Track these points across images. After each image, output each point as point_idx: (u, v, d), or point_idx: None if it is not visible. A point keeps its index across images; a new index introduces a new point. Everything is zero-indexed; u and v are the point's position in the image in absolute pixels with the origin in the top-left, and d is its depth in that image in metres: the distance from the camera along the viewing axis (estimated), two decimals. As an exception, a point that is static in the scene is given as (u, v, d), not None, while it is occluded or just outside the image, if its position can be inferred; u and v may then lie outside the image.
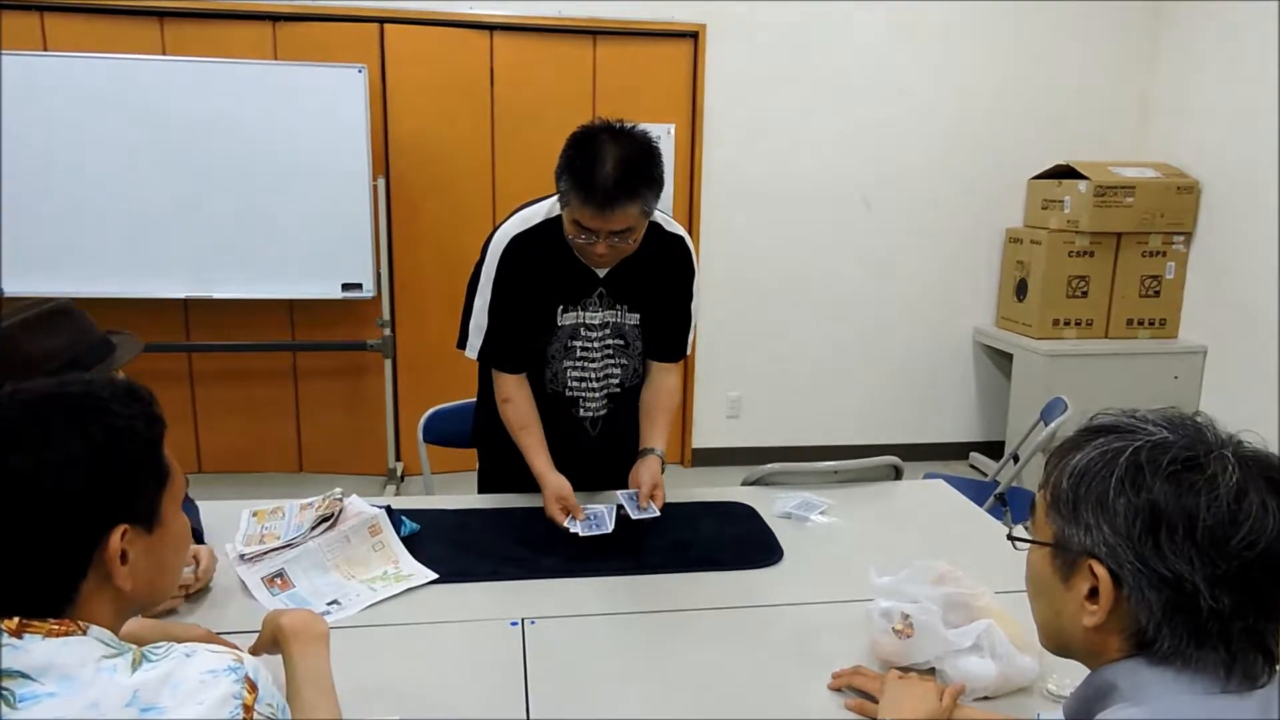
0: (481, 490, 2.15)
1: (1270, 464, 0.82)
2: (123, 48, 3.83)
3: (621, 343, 2.00)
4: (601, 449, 2.03)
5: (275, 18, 3.97)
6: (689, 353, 2.10)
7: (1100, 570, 0.84)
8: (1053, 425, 3.05)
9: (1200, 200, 4.31)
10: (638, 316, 1.99)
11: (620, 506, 1.85)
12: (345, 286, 3.98)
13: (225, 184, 3.82)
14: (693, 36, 4.27)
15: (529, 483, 1.99)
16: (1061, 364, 4.26)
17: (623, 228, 1.73)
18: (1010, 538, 0.97)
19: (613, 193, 1.67)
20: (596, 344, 1.97)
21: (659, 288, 1.98)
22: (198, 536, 1.71)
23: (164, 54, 3.91)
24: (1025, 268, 4.49)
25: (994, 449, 4.76)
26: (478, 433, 2.17)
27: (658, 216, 1.93)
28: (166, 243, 3.84)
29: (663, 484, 1.89)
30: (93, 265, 3.82)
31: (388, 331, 4.13)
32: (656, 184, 1.73)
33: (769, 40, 4.29)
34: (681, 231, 1.99)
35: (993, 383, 4.86)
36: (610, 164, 1.66)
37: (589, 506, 1.87)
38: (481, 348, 1.95)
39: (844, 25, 4.33)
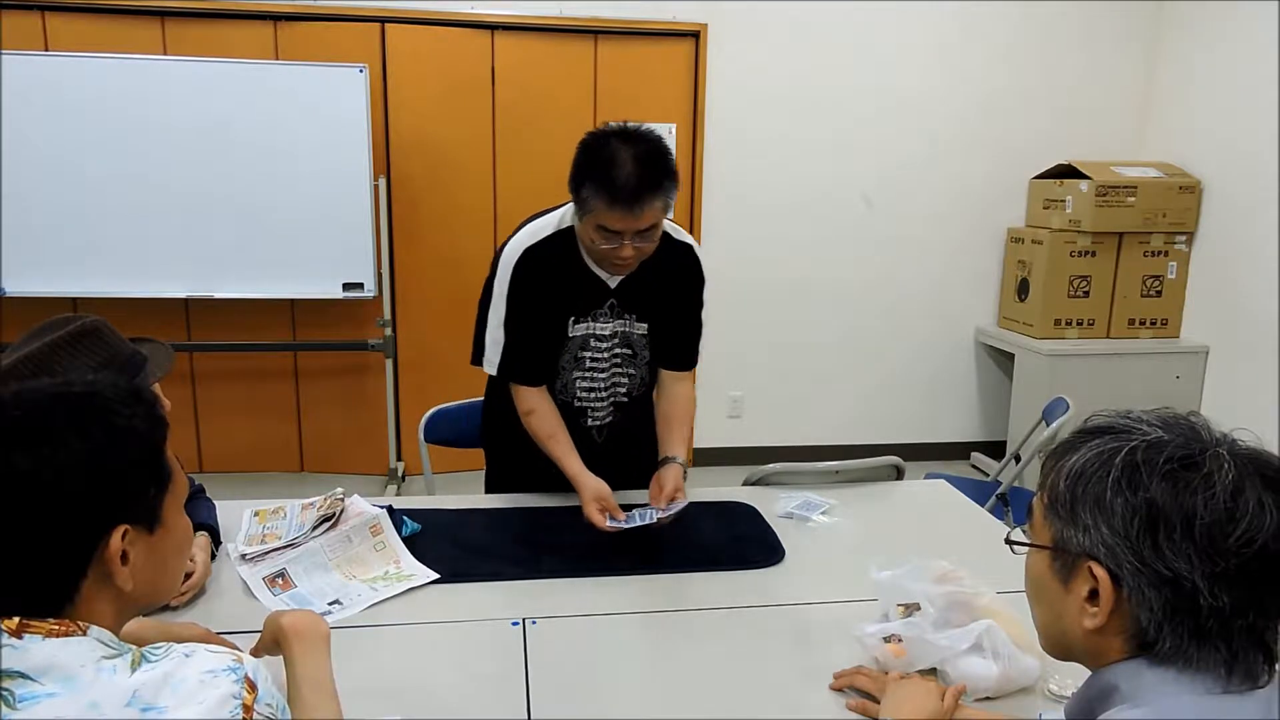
0: (489, 491, 2.15)
1: (1266, 461, 0.82)
2: (124, 48, 3.83)
3: (629, 352, 2.00)
4: (606, 454, 2.02)
5: (276, 17, 3.97)
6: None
7: (1100, 571, 0.84)
8: (1054, 425, 3.05)
9: (1202, 200, 4.31)
10: (646, 326, 1.99)
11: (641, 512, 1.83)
12: (346, 286, 3.98)
13: (226, 184, 3.82)
14: (694, 36, 4.26)
15: (535, 484, 2.00)
16: (1063, 364, 4.26)
17: (648, 225, 1.74)
18: (1009, 541, 0.96)
19: (638, 190, 1.67)
20: (605, 354, 1.97)
21: (669, 297, 1.99)
22: (215, 535, 1.71)
23: (165, 54, 3.91)
24: (1027, 267, 4.48)
25: (996, 449, 4.76)
26: (485, 434, 2.18)
27: (666, 225, 1.93)
28: (167, 243, 3.84)
29: (684, 489, 1.88)
30: (93, 265, 3.82)
31: (389, 331, 4.13)
32: (675, 177, 1.74)
33: (770, 40, 4.29)
34: (690, 240, 2.00)
35: (994, 383, 4.86)
36: (630, 164, 1.67)
37: (631, 512, 1.83)
38: (500, 363, 1.93)
39: (845, 25, 4.32)
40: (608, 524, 1.77)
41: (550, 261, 1.87)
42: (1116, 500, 0.83)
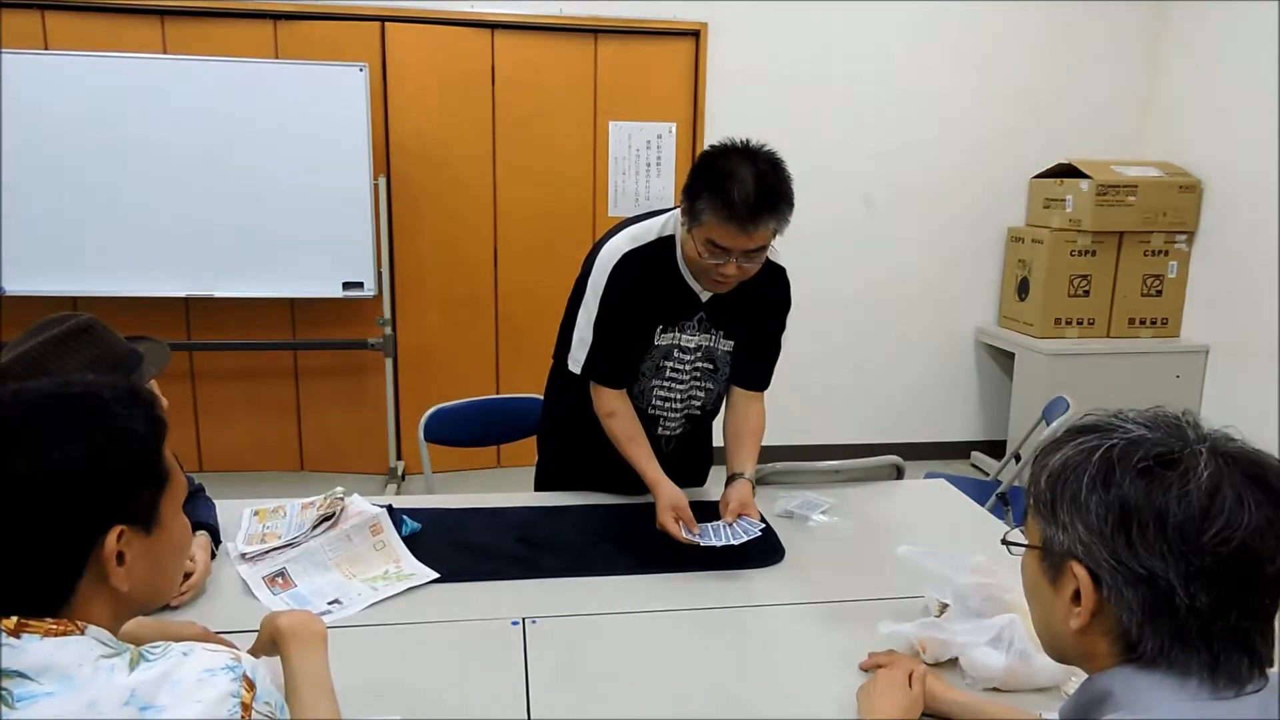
0: (538, 488, 2.17)
1: (1252, 459, 0.80)
2: (123, 46, 3.83)
3: (711, 367, 2.00)
4: (671, 463, 2.01)
5: (276, 16, 3.97)
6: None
7: (1080, 570, 0.83)
8: (1054, 424, 3.04)
9: (1202, 199, 4.30)
10: (732, 344, 1.99)
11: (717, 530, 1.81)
12: (346, 285, 3.98)
13: (226, 183, 3.82)
14: (694, 35, 4.26)
15: (585, 483, 2.03)
16: (1063, 363, 4.26)
17: (758, 246, 1.73)
18: (1005, 541, 0.96)
19: (755, 208, 1.66)
20: (687, 367, 1.97)
21: (756, 316, 1.99)
22: (214, 535, 1.71)
23: (165, 53, 3.91)
24: (1027, 267, 4.48)
25: (996, 448, 4.76)
26: (543, 431, 2.20)
27: None
28: (167, 242, 3.84)
29: (753, 505, 1.86)
30: (93, 265, 3.81)
31: (388, 330, 4.13)
32: (791, 201, 1.73)
33: (770, 39, 4.29)
34: (784, 263, 2.00)
35: (995, 382, 4.86)
36: (749, 182, 1.66)
37: (705, 525, 1.81)
38: (585, 362, 1.92)
39: (845, 24, 4.32)
40: (684, 535, 1.75)
41: (647, 268, 1.86)
42: (1091, 498, 0.82)
